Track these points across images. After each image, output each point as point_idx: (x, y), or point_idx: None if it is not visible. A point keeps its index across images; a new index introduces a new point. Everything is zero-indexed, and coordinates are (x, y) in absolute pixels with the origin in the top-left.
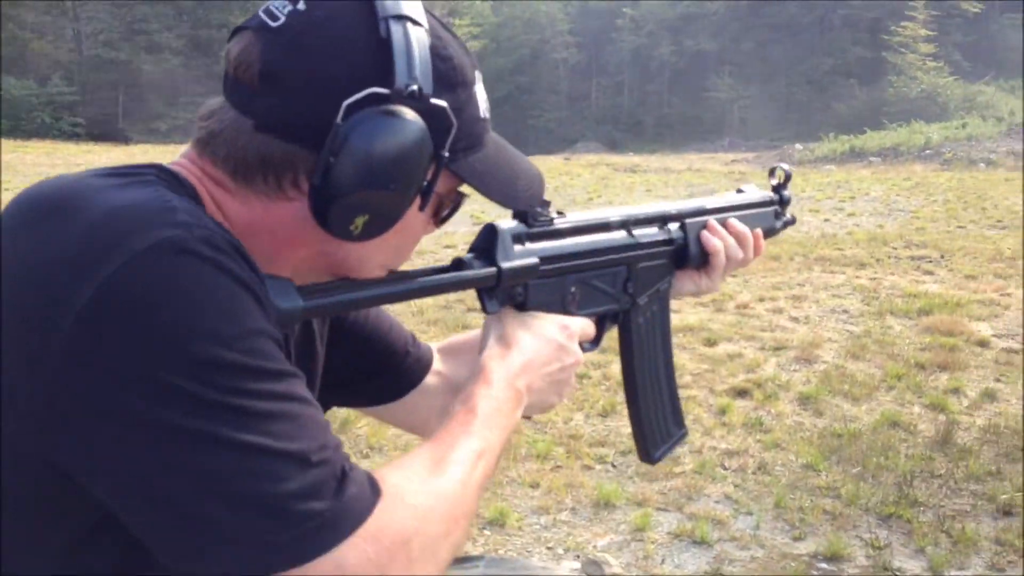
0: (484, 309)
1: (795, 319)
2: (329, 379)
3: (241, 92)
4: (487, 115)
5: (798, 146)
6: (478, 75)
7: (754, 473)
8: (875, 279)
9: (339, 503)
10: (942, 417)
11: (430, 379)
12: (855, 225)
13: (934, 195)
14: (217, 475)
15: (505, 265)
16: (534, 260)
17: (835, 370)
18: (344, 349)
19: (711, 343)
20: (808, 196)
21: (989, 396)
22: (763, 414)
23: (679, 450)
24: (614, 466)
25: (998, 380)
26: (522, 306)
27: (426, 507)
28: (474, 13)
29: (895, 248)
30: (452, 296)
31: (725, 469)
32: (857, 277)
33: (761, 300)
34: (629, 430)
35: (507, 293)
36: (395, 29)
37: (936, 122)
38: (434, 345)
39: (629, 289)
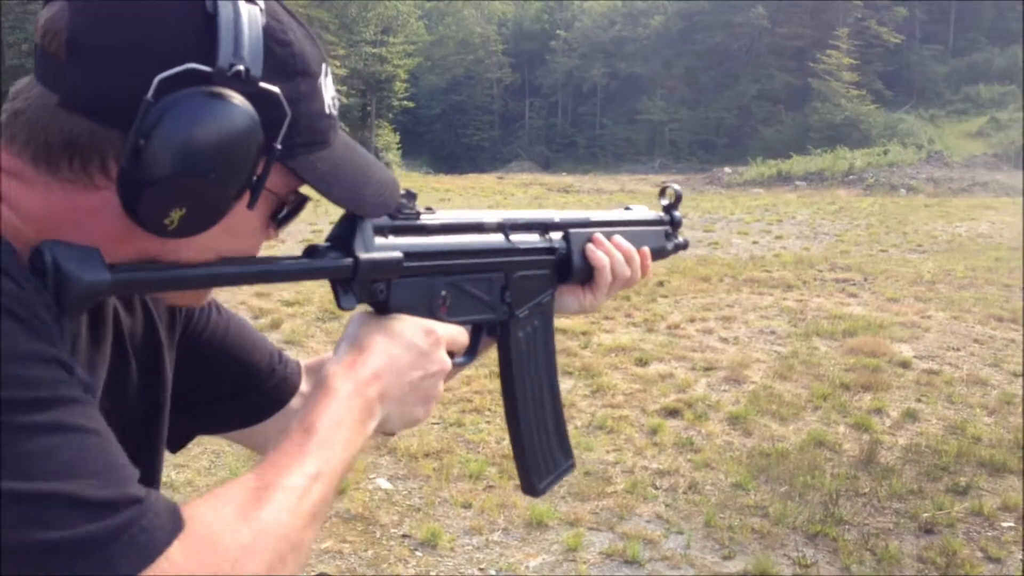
0: (338, 304)
1: (725, 340)
2: (184, 401)
3: (48, 66)
4: (334, 112)
5: (727, 169)
6: (326, 68)
7: (685, 492)
8: (802, 301)
9: (118, 545)
10: (866, 437)
11: (296, 401)
12: (782, 248)
13: (857, 219)
14: None
15: (363, 256)
16: (397, 254)
17: (763, 390)
18: (200, 366)
19: (642, 363)
20: (737, 219)
21: (911, 416)
22: (693, 434)
23: (611, 470)
24: None
25: (919, 400)
26: (383, 306)
27: (242, 544)
28: (408, 31)
29: (821, 271)
30: None
31: (656, 489)
32: (784, 299)
33: (692, 321)
34: None
35: (366, 290)
36: (223, 4)
37: (859, 148)
38: (303, 362)
39: (507, 298)
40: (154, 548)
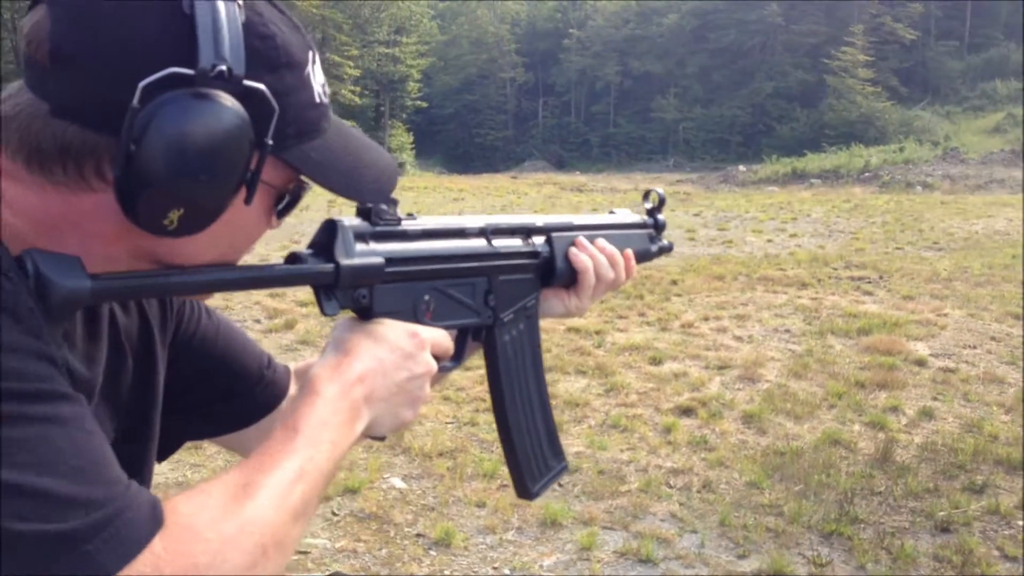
0: (321, 310)
1: (739, 338)
2: (175, 404)
3: (35, 72)
4: (324, 99)
5: (741, 167)
6: (313, 56)
7: (699, 491)
8: (816, 299)
9: (101, 539)
10: (881, 435)
11: (285, 404)
12: (797, 246)
13: (873, 217)
14: None
15: (344, 262)
16: (379, 260)
17: (778, 389)
18: (190, 369)
19: (656, 362)
20: (751, 217)
21: (927, 415)
22: (708, 432)
23: (625, 469)
24: (560, 485)
25: (935, 399)
26: (367, 311)
27: (224, 538)
28: (421, 31)
29: (835, 269)
30: None
31: (670, 487)
32: (799, 297)
33: (706, 319)
34: (575, 448)
35: (349, 296)
36: (199, 5)
37: (874, 146)
38: (292, 366)
39: (491, 302)
40: (135, 543)
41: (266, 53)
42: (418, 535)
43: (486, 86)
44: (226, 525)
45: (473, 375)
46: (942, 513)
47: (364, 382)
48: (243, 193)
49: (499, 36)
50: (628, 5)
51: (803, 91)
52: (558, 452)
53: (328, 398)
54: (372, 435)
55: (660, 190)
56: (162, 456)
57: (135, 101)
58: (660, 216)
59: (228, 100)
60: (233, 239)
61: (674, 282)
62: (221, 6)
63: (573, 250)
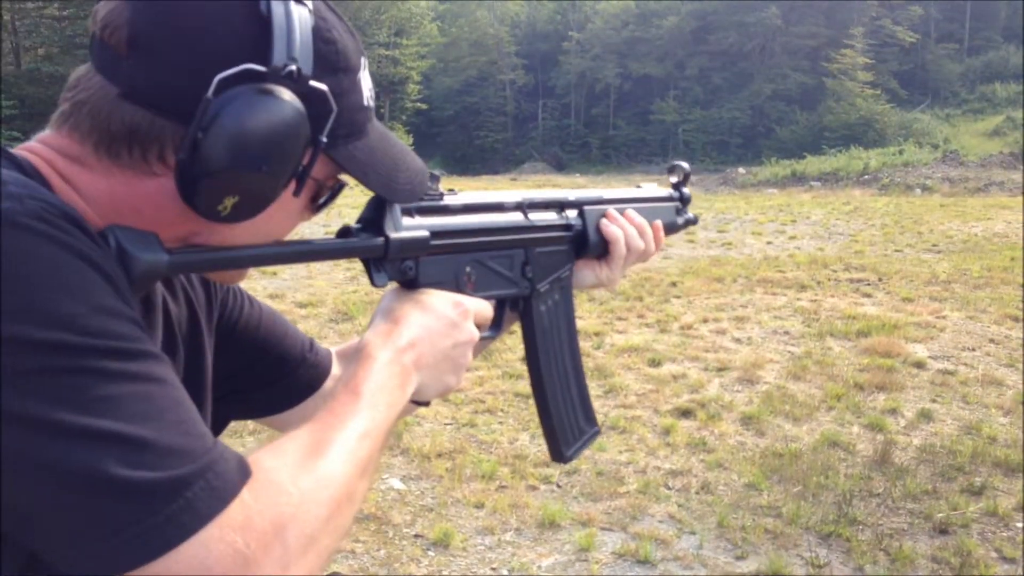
0: (372, 281)
1: (738, 340)
2: (222, 389)
3: (108, 57)
4: (371, 103)
5: (741, 170)
6: (364, 61)
7: (697, 493)
8: (815, 301)
9: (198, 488)
10: (880, 437)
11: (330, 383)
12: (796, 248)
13: (872, 219)
14: (58, 463)
15: (393, 235)
16: (424, 233)
17: (776, 391)
18: (235, 355)
19: (655, 363)
20: (751, 219)
21: (925, 416)
22: (706, 434)
23: (624, 470)
24: (559, 486)
25: (934, 401)
26: (413, 283)
27: (304, 491)
28: (422, 33)
29: (835, 271)
30: None
31: (669, 489)
32: (798, 299)
33: (705, 321)
34: None
35: (397, 268)
36: (276, 6)
37: (874, 148)
38: (334, 349)
39: (528, 273)
40: (229, 492)
41: (329, 56)
42: (416, 536)
43: (486, 88)
44: (304, 479)
45: (472, 375)
46: (940, 515)
47: (414, 348)
48: (292, 185)
49: (499, 38)
50: (628, 7)
51: (803, 93)
52: (591, 417)
53: (382, 363)
54: (418, 400)
55: (685, 164)
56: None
57: (210, 92)
58: (685, 190)
59: (292, 98)
60: (272, 228)
61: (673, 284)
62: (295, 9)
63: (604, 222)
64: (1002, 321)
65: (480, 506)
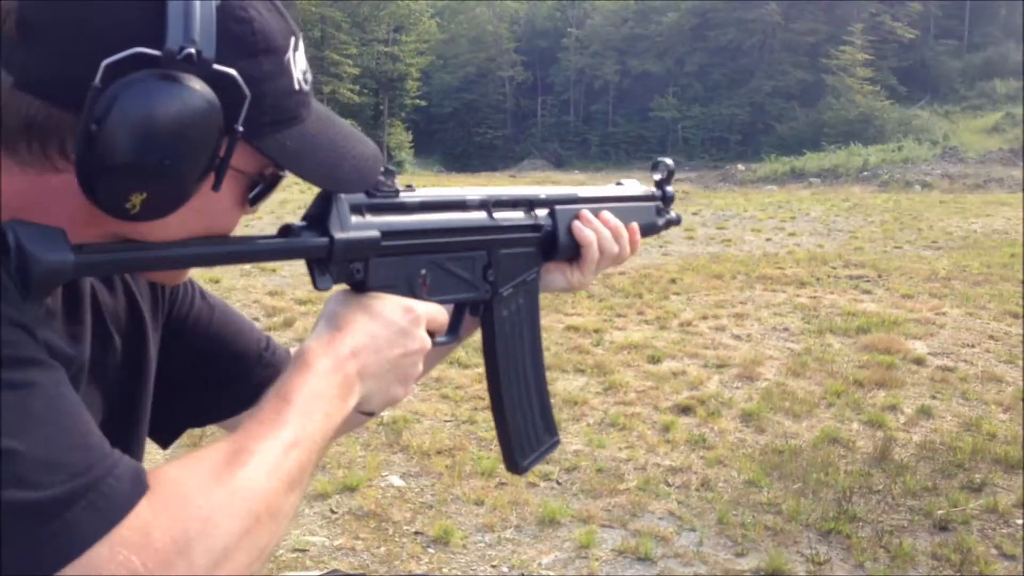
0: (315, 285)
1: (737, 337)
2: (172, 389)
3: (3, 46)
4: (305, 87)
5: (740, 166)
6: (296, 42)
7: (697, 490)
8: (815, 298)
9: (81, 506)
10: (880, 434)
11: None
12: (796, 245)
13: (872, 216)
14: None
15: (339, 235)
16: (374, 233)
17: (776, 387)
18: (186, 353)
19: (655, 360)
20: (750, 216)
21: (925, 413)
22: (706, 431)
23: (623, 467)
24: (559, 483)
25: (933, 397)
26: (361, 286)
27: (215, 504)
28: (420, 30)
29: (834, 268)
30: None
31: (669, 486)
32: (798, 296)
33: (704, 318)
34: (574, 447)
35: (343, 270)
36: None
37: (873, 145)
38: (292, 349)
39: (490, 277)
40: (118, 509)
41: (243, 38)
42: (416, 533)
43: (485, 85)
44: (217, 491)
45: (472, 373)
46: (940, 511)
47: (357, 357)
48: (211, 179)
49: (498, 35)
50: (627, 4)
51: (802, 90)
52: (551, 427)
53: (321, 372)
54: (363, 411)
55: (669, 160)
56: (165, 443)
57: (97, 80)
58: (669, 188)
59: (196, 84)
60: (206, 225)
61: (673, 281)
62: None
63: (577, 223)
64: (1002, 317)
65: (480, 503)
